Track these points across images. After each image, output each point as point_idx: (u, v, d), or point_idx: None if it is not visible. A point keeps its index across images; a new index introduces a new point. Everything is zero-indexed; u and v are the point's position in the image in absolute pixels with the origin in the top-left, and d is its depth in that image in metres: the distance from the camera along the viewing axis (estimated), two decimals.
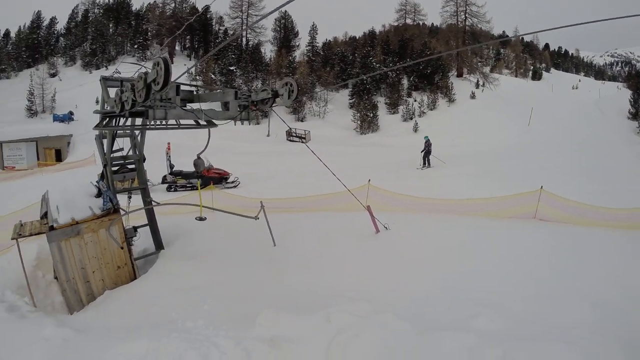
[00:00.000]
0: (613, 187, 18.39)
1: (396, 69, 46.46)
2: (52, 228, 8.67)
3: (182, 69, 55.63)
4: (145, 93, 6.60)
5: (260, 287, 8.55)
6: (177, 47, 69.36)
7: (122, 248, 9.54)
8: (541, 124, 38.73)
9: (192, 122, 9.23)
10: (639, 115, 38.22)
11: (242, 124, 9.20)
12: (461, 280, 8.48)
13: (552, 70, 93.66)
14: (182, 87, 8.21)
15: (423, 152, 26.08)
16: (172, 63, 7.67)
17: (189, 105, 8.40)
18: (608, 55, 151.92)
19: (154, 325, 6.63)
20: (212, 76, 51.98)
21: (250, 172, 23.75)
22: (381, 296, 7.58)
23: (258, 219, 9.78)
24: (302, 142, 37.75)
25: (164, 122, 8.67)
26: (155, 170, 19.90)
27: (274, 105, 8.23)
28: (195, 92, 8.61)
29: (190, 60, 64.76)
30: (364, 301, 6.78)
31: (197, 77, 51.61)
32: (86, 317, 7.96)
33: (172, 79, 6.16)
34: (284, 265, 9.88)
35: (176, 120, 8.92)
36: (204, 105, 8.47)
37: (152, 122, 8.77)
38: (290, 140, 40.73)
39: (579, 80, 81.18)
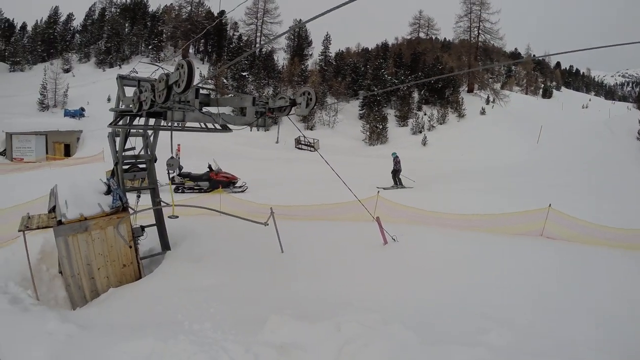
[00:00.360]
0: (622, 206, 18.25)
1: (410, 84, 46.48)
2: (60, 223, 8.65)
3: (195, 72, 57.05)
4: (165, 94, 6.60)
5: (268, 292, 8.50)
6: (191, 50, 69.82)
7: (130, 247, 9.52)
8: (550, 142, 38.70)
9: (206, 125, 9.21)
10: None
11: (258, 130, 9.25)
12: (469, 293, 8.43)
13: (563, 88, 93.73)
14: (202, 91, 8.26)
15: (392, 171, 24.21)
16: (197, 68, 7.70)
17: (205, 109, 8.42)
18: (619, 75, 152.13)
19: (159, 326, 6.55)
20: (224, 81, 52.20)
21: (259, 178, 23.76)
22: (389, 307, 7.51)
23: (267, 225, 9.75)
24: (311, 150, 37.79)
25: (179, 124, 8.67)
26: (163, 170, 20.01)
27: (290, 113, 8.25)
28: (212, 96, 8.63)
29: (203, 64, 65.12)
30: (373, 311, 6.74)
31: (210, 81, 51.90)
32: (89, 314, 7.88)
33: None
34: (291, 271, 9.82)
35: (190, 123, 8.93)
36: (219, 110, 8.50)
37: (168, 124, 8.78)
38: (299, 148, 40.78)
39: (589, 100, 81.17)
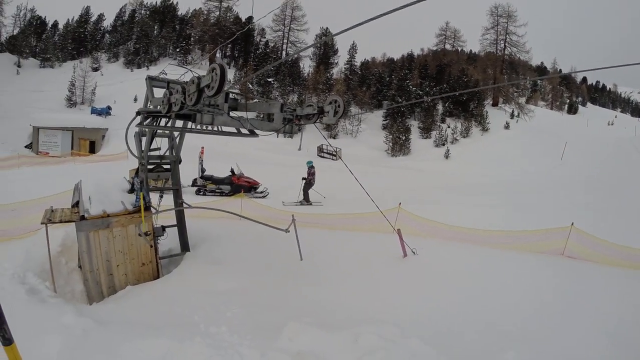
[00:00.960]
0: None
1: (435, 97, 46.41)
2: (82, 218, 8.73)
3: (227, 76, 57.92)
4: (196, 97, 6.63)
5: (286, 299, 8.45)
6: (218, 55, 70.58)
7: (151, 246, 9.56)
8: (575, 158, 38.19)
9: (233, 129, 9.22)
10: None
11: (285, 136, 9.27)
12: (489, 310, 8.30)
13: (589, 104, 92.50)
14: (230, 95, 8.30)
15: (304, 183, 20.93)
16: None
17: (233, 113, 8.45)
18: None
19: (175, 326, 6.56)
20: (250, 86, 52.60)
21: (280, 184, 23.74)
22: (409, 321, 7.40)
23: (289, 232, 9.72)
24: (334, 159, 37.77)
25: (207, 127, 8.70)
26: (186, 172, 20.14)
27: (317, 121, 8.24)
28: (240, 101, 8.66)
29: (229, 68, 65.72)
30: (392, 324, 6.65)
31: (235, 86, 52.40)
32: (106, 309, 7.92)
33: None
34: (310, 280, 9.75)
35: (216, 127, 8.96)
36: (243, 115, 8.53)
37: (197, 126, 8.82)
38: (321, 157, 40.78)
39: (615, 117, 79.91)
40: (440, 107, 52.60)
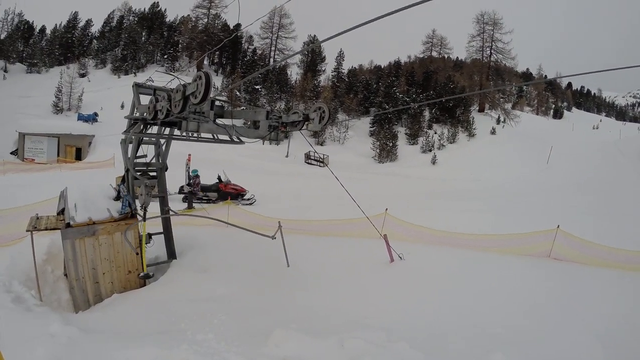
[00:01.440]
0: (632, 229, 18.16)
1: (422, 103, 46.66)
2: (68, 225, 8.68)
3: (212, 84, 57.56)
4: (182, 104, 6.66)
5: (273, 306, 8.46)
6: (206, 62, 70.50)
7: (137, 254, 9.51)
8: (560, 162, 38.65)
9: (219, 136, 9.26)
10: None
11: (270, 144, 9.31)
12: (476, 314, 8.41)
13: (574, 109, 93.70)
14: (215, 103, 8.33)
15: (188, 190, 20.57)
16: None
17: (219, 121, 8.49)
18: (630, 96, 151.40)
19: (163, 334, 6.54)
20: (237, 93, 52.55)
21: (267, 191, 23.74)
22: (396, 325, 7.46)
23: (275, 238, 9.75)
24: (321, 165, 37.83)
25: (194, 135, 8.72)
26: (173, 179, 20.05)
27: (303, 128, 8.30)
28: (226, 108, 8.70)
29: (217, 75, 65.68)
30: (379, 329, 6.70)
31: (222, 93, 52.40)
32: (92, 318, 7.87)
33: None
34: (297, 286, 9.78)
35: (202, 134, 8.98)
36: (229, 122, 8.57)
37: (182, 133, 8.84)
38: (309, 163, 40.81)
39: (600, 121, 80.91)
40: (427, 113, 52.95)
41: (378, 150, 44.65)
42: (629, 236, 16.00)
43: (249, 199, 21.82)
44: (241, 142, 9.31)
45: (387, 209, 13.98)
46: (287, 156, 40.63)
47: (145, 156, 10.87)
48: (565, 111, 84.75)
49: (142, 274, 9.15)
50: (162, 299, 8.64)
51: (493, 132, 49.16)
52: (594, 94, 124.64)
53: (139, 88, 9.86)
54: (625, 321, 8.45)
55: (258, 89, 54.97)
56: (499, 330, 7.62)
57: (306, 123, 8.10)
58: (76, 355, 5.70)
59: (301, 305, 8.56)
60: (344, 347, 5.93)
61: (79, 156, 38.22)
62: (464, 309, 8.64)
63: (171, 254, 11.30)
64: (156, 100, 7.78)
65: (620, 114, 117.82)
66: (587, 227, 15.24)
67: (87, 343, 6.04)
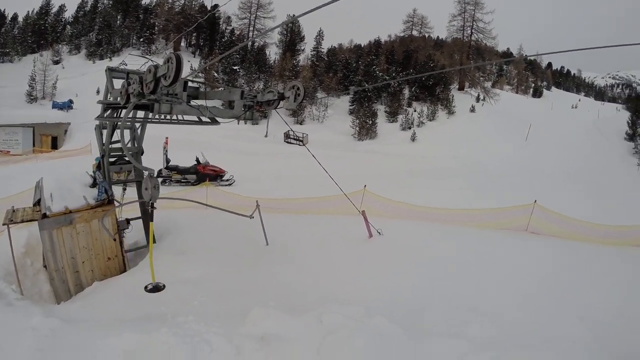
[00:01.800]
0: (607, 204, 18.60)
1: (401, 80, 46.55)
2: (45, 216, 8.56)
3: (186, 65, 55.95)
4: (153, 86, 6.60)
5: (252, 285, 8.51)
6: (183, 44, 69.34)
7: (115, 240, 9.45)
8: (539, 140, 39.07)
9: (194, 118, 9.20)
10: (635, 137, 39.18)
11: (245, 123, 9.25)
12: (453, 287, 8.57)
13: (553, 89, 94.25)
14: (189, 84, 8.24)
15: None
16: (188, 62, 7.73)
17: (194, 102, 8.42)
18: (609, 77, 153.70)
19: (144, 319, 6.51)
20: (215, 74, 51.92)
21: (246, 171, 23.72)
22: (374, 300, 7.58)
23: (253, 217, 9.76)
24: (300, 144, 37.75)
25: (167, 117, 8.64)
26: (151, 163, 19.82)
27: (278, 107, 8.28)
28: (201, 89, 8.63)
29: (194, 57, 64.69)
30: (357, 304, 6.76)
31: (200, 75, 51.67)
32: (74, 308, 7.79)
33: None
34: (276, 264, 9.84)
35: (176, 116, 8.90)
36: (208, 103, 8.49)
37: (156, 116, 8.75)
38: (288, 142, 40.66)
39: (579, 100, 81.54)
40: (406, 91, 52.89)
41: (358, 128, 44.54)
42: (606, 211, 16.42)
43: (227, 180, 21.80)
44: (216, 122, 9.27)
45: (365, 186, 14.08)
46: (266, 136, 40.33)
47: (120, 141, 10.77)
48: (544, 90, 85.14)
49: (150, 286, 8.01)
50: (142, 284, 8.60)
51: (472, 110, 49.31)
52: (574, 74, 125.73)
53: (112, 72, 9.74)
54: (599, 291, 8.67)
55: (236, 69, 54.33)
56: (476, 303, 7.77)
57: (281, 102, 8.10)
58: (59, 346, 5.66)
59: (279, 283, 8.64)
60: (322, 322, 5.99)
61: (55, 145, 37.56)
62: (442, 283, 8.79)
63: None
64: (128, 84, 7.68)
65: (599, 94, 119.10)
66: (563, 202, 15.56)
67: (69, 334, 5.98)
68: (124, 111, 9.22)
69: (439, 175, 26.17)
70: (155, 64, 6.80)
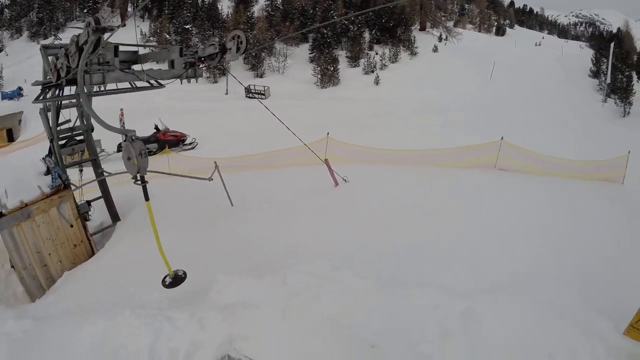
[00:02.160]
0: (571, 139, 18.96)
1: (357, 20, 45.47)
2: (1, 215, 8.21)
3: (135, 30, 52.90)
4: (78, 57, 6.22)
5: (217, 249, 8.42)
6: (130, 8, 66.26)
7: (72, 226, 9.17)
8: (503, 78, 38.98)
9: (144, 83, 8.76)
10: (600, 74, 39.50)
11: (189, 82, 8.83)
12: (423, 233, 8.46)
13: (516, 27, 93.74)
14: (125, 48, 7.83)
15: None
16: (124, 25, 7.33)
17: (135, 67, 8.04)
18: (572, 15, 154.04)
19: (113, 304, 6.47)
20: (167, 36, 49.99)
21: (209, 132, 23.28)
22: (340, 253, 7.50)
23: (212, 180, 9.53)
24: (262, 98, 37.04)
25: (101, 88, 8.19)
26: (109, 138, 19.22)
27: (222, 60, 7.97)
28: (138, 52, 8.22)
29: (143, 21, 61.94)
30: (323, 259, 6.73)
31: (152, 38, 49.71)
32: (47, 304, 7.69)
33: (124, 42, 5.85)
34: (241, 225, 9.68)
35: (118, 84, 8.46)
36: (152, 65, 8.11)
37: (100, 88, 8.30)
38: (250, 97, 39.73)
39: (542, 38, 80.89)
40: (367, 35, 51.91)
41: (319, 76, 43.60)
42: (573, 147, 16.73)
43: (190, 144, 21.44)
44: (161, 85, 8.90)
45: (328, 133, 13.85)
46: (226, 93, 39.28)
47: (69, 121, 10.30)
48: (507, 29, 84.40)
49: (168, 279, 6.07)
50: (110, 267, 8.52)
51: (435, 50, 48.58)
52: (537, 12, 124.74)
53: (47, 50, 9.17)
54: (567, 224, 8.92)
55: (188, 28, 52.40)
56: (448, 248, 7.71)
57: (224, 55, 7.81)
58: (29, 347, 5.61)
59: (244, 244, 8.53)
60: (287, 283, 6.00)
61: (11, 137, 35.47)
62: (410, 229, 8.69)
63: (114, 217, 11.07)
64: (56, 59, 7.25)
65: (562, 32, 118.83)
66: (531, 138, 15.75)
67: (41, 333, 5.91)
68: (66, 89, 8.82)
69: (405, 117, 26.12)
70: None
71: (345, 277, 6.06)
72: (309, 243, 8.20)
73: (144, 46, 9.37)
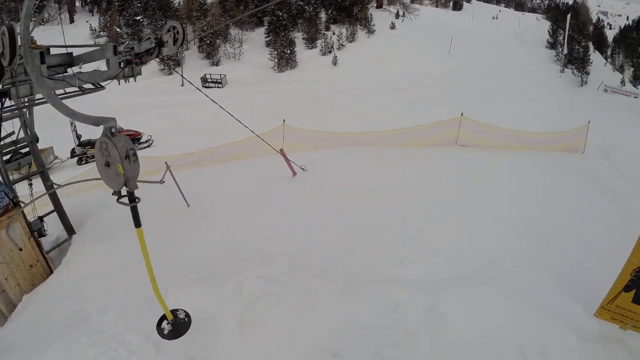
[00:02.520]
0: (531, 111, 19.22)
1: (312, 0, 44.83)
2: None
3: (84, 27, 50.30)
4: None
5: (174, 257, 8.06)
6: (78, 4, 63.60)
7: (20, 249, 8.63)
8: (462, 52, 39.37)
9: (89, 85, 8.27)
10: (556, 45, 41.23)
11: (127, 81, 8.32)
12: (384, 219, 8.30)
13: (473, 1, 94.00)
14: (56, 51, 7.39)
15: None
16: (72, 22, 6.84)
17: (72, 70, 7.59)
18: None
19: (70, 327, 6.15)
20: (118, 29, 48.26)
21: (165, 127, 22.69)
22: (299, 250, 7.26)
23: (164, 182, 9.15)
24: (219, 87, 36.29)
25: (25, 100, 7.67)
26: (62, 145, 18.53)
27: (159, 55, 7.60)
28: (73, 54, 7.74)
29: (92, 15, 59.56)
30: (279, 261, 6.53)
31: (102, 33, 47.90)
32: (8, 332, 7.28)
33: (72, 41, 5.40)
34: (198, 227, 9.38)
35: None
36: (92, 66, 7.66)
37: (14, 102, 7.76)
38: (207, 87, 38.79)
39: (499, 11, 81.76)
40: (323, 15, 51.31)
41: (276, 60, 43.11)
42: (534, 118, 16.91)
43: (146, 142, 20.84)
44: (100, 86, 8.42)
45: (284, 121, 13.54)
46: (182, 85, 38.46)
47: (13, 133, 9.69)
48: (464, 3, 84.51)
49: (167, 326, 5.11)
50: (67, 284, 8.15)
51: (393, 27, 48.34)
52: None
53: None
54: (532, 197, 9.10)
55: (139, 19, 50.68)
56: (408, 234, 7.56)
57: (162, 48, 7.44)
58: None
59: (200, 249, 8.21)
60: (242, 293, 5.88)
61: None
62: (372, 216, 8.53)
63: (69, 230, 10.55)
64: None
65: (519, 5, 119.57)
66: (491, 113, 15.89)
67: None
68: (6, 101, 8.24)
69: (364, 96, 26.05)
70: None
71: (303, 280, 5.96)
72: (267, 240, 7.92)
73: (78, 47, 8.63)
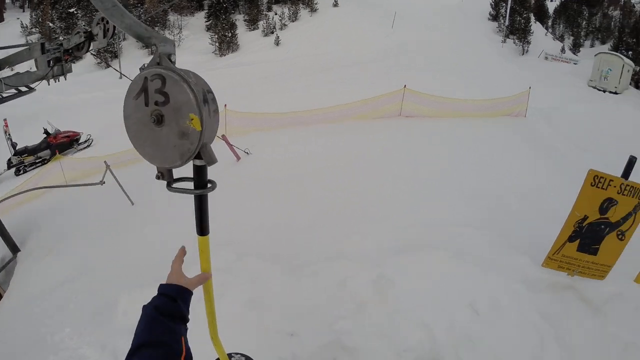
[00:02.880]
0: (476, 79, 19.57)
1: None
2: None
3: (15, 24, 47.80)
4: None
5: (122, 261, 7.82)
6: (8, 0, 60.13)
7: None
8: (405, 27, 39.51)
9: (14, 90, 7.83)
10: (498, 17, 42.87)
11: (57, 81, 7.90)
12: (331, 197, 8.31)
13: None
14: None
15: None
16: (2, 20, 6.39)
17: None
18: None
19: (26, 354, 5.93)
20: (51, 24, 45.97)
21: (105, 124, 21.68)
22: (245, 236, 7.16)
23: (104, 183, 8.81)
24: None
25: None
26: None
27: (90, 49, 7.25)
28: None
29: (23, 11, 56.45)
30: (227, 248, 6.35)
31: (34, 30, 45.57)
32: None
33: (3, 38, 4.98)
34: (144, 226, 9.14)
35: None
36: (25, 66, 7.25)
37: None
38: None
39: None
40: None
41: (217, 44, 42.42)
42: (474, 86, 17.20)
43: (85, 142, 19.99)
44: (31, 89, 7.99)
45: (225, 105, 13.31)
46: (120, 78, 37.15)
47: None
48: None
49: None
50: (18, 308, 7.65)
51: (336, 4, 48.08)
52: None
53: None
54: (478, 164, 9.27)
55: (73, 12, 48.39)
56: (354, 209, 7.60)
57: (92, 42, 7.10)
58: None
59: (148, 249, 7.87)
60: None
61: None
62: (317, 195, 8.54)
63: (13, 248, 9.98)
64: None
65: None
66: (435, 83, 16.09)
67: None
68: None
69: (308, 76, 25.83)
70: None
71: (250, 266, 5.87)
72: (213, 233, 7.71)
73: (4, 48, 8.12)
